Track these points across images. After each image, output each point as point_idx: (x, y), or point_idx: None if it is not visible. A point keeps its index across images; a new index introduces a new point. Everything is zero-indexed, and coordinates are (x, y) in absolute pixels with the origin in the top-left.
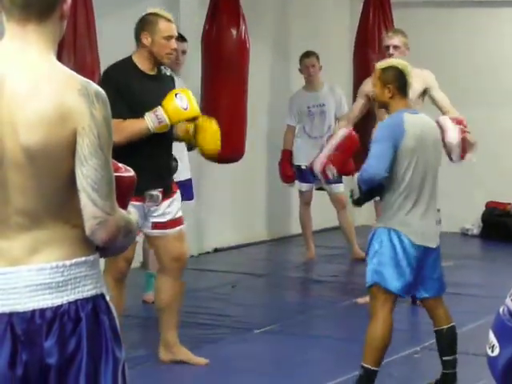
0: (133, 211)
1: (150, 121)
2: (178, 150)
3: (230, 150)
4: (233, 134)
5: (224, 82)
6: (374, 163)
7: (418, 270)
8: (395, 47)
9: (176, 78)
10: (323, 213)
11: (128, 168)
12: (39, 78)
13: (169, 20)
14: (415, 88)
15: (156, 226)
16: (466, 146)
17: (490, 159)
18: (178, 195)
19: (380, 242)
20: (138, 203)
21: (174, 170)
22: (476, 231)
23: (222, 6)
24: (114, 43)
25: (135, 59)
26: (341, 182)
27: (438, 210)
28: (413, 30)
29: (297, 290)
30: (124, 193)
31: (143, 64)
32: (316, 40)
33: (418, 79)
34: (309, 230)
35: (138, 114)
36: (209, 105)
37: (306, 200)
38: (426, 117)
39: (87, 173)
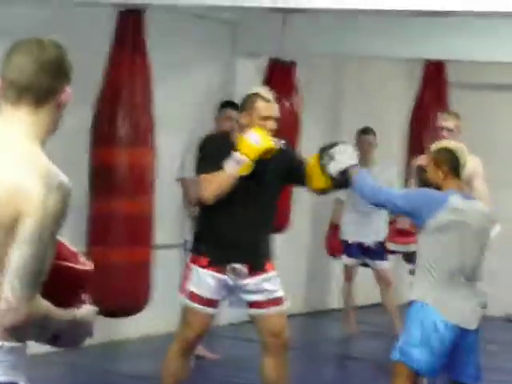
0: (86, 309)
1: (229, 166)
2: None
3: (279, 221)
4: (281, 207)
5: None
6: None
7: (452, 352)
8: (449, 130)
9: None
10: (366, 289)
11: (87, 261)
12: (9, 157)
13: (268, 100)
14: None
15: (251, 305)
16: None
17: None
18: (273, 275)
19: (412, 320)
20: (217, 274)
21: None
22: None
23: (276, 76)
24: (168, 107)
25: (232, 135)
26: (386, 259)
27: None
28: (467, 112)
29: (333, 365)
30: (72, 284)
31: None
32: (369, 117)
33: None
34: (350, 306)
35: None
36: None
37: (349, 275)
38: (479, 204)
39: (16, 258)
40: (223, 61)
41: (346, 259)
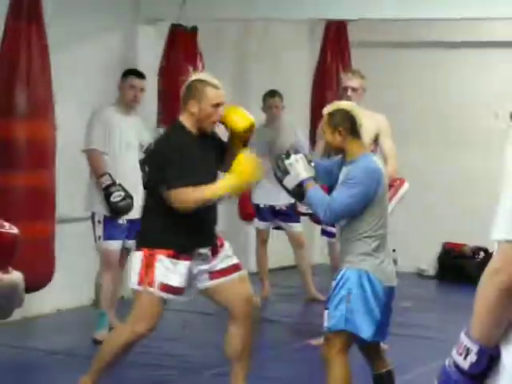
0: (16, 274)
1: (219, 188)
2: (133, 185)
3: None
4: None
5: None
6: (341, 210)
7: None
8: (353, 89)
9: (132, 116)
10: (280, 251)
11: (12, 226)
12: None
13: (216, 87)
14: (369, 131)
15: (212, 275)
16: None
17: (448, 199)
18: (225, 246)
19: (348, 287)
20: (186, 262)
21: (130, 207)
22: (432, 272)
23: (179, 43)
24: (69, 77)
25: (184, 122)
26: (299, 222)
27: (394, 250)
28: (370, 70)
29: None
30: (1, 249)
31: (193, 128)
32: (275, 79)
33: (372, 122)
34: (264, 269)
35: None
36: None
37: (262, 238)
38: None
39: None
40: (124, 28)
41: (258, 223)
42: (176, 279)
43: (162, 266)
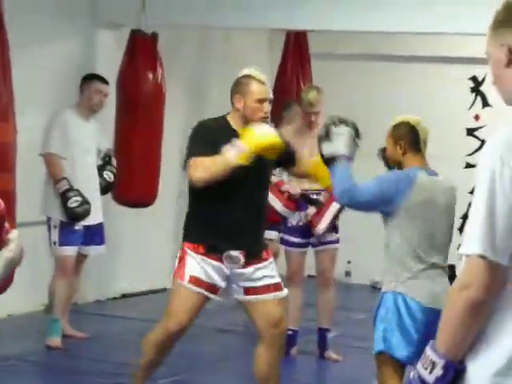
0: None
1: (228, 153)
2: (90, 191)
3: (142, 195)
4: (146, 178)
5: (139, 125)
6: (360, 194)
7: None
8: (317, 113)
9: (91, 121)
10: None
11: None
12: None
13: (262, 82)
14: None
15: (247, 291)
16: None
17: None
18: (270, 261)
19: (386, 308)
20: (216, 263)
21: (87, 213)
22: None
23: (139, 48)
24: (29, 81)
25: (229, 119)
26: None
27: (349, 262)
28: (331, 82)
29: (204, 339)
30: None
31: (237, 124)
32: None
33: None
34: None
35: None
36: (122, 147)
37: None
38: (445, 180)
39: None
40: (83, 33)
41: None
42: (206, 275)
43: (194, 260)
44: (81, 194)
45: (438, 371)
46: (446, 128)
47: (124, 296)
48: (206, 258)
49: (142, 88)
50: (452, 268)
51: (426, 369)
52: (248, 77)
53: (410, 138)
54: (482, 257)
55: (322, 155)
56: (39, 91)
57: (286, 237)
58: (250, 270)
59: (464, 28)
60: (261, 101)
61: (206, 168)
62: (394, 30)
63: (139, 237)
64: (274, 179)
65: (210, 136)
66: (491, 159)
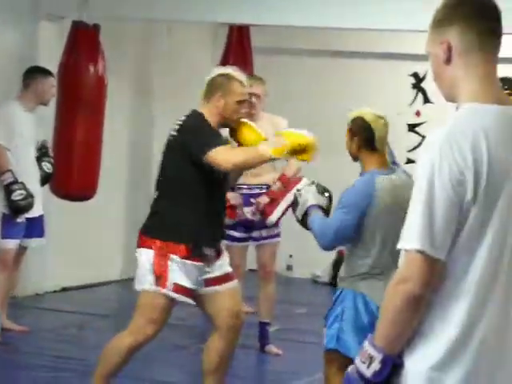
0: None
1: (265, 146)
2: (32, 184)
3: (83, 188)
4: (86, 171)
5: (79, 118)
6: (329, 234)
7: None
8: (256, 96)
9: (34, 113)
10: None
11: None
12: None
13: (243, 83)
14: (267, 134)
15: (207, 282)
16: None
17: None
18: (224, 252)
19: (343, 307)
20: (198, 264)
21: (31, 207)
22: (326, 278)
23: (80, 40)
24: None
25: (205, 114)
26: None
27: (291, 256)
28: (272, 76)
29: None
30: None
31: (212, 121)
32: (176, 80)
33: (270, 126)
34: None
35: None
36: (62, 140)
37: None
38: (402, 177)
39: None
40: (24, 25)
41: None
42: (189, 280)
43: (176, 265)
44: (25, 187)
45: (376, 365)
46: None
47: (64, 289)
48: (188, 261)
49: (83, 80)
50: None
51: (363, 363)
52: (230, 77)
53: (363, 136)
54: (421, 252)
55: (299, 222)
56: None
57: (228, 232)
58: (211, 268)
59: (405, 24)
60: (241, 102)
61: (238, 154)
62: (337, 25)
63: (79, 229)
64: None
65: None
66: (430, 154)
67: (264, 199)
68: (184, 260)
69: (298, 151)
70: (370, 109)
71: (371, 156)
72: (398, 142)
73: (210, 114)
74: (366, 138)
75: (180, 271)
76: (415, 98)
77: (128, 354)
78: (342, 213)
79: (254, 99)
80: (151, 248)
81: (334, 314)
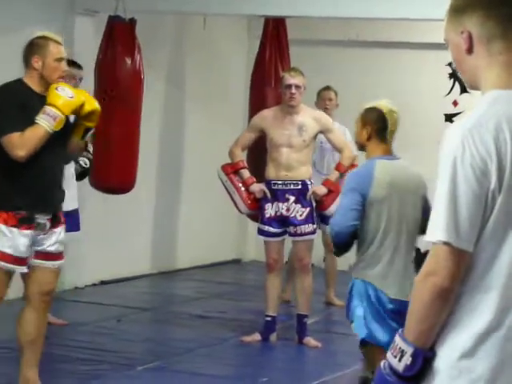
0: None
1: (44, 123)
2: (65, 178)
3: (121, 181)
4: (124, 165)
5: (117, 112)
6: (339, 219)
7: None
8: (297, 87)
9: None
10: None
11: None
12: None
13: (59, 42)
14: (310, 129)
15: (37, 255)
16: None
17: None
18: (62, 228)
19: (360, 297)
20: (27, 232)
21: (62, 199)
22: None
23: (117, 35)
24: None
25: (27, 81)
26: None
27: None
28: (308, 68)
29: (183, 325)
30: None
31: (36, 86)
32: (212, 73)
33: (312, 120)
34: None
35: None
36: (101, 134)
37: None
38: (405, 164)
39: None
40: (61, 20)
41: None
42: (16, 249)
43: (3, 233)
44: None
45: (407, 359)
46: (424, 114)
47: (103, 282)
48: (17, 230)
49: (120, 74)
50: (418, 251)
51: (395, 357)
52: (44, 38)
53: (377, 125)
54: (447, 244)
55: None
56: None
57: (264, 227)
58: (46, 241)
59: (439, 14)
60: (59, 60)
61: (30, 142)
62: (371, 16)
63: (116, 223)
64: (244, 176)
65: (19, 99)
66: (453, 145)
67: (322, 190)
68: (11, 228)
69: (84, 117)
70: (386, 101)
71: (378, 146)
72: (435, 132)
73: (31, 79)
74: (378, 128)
75: (5, 238)
76: (452, 87)
77: None
78: (344, 197)
79: (294, 89)
80: None
81: (351, 306)
